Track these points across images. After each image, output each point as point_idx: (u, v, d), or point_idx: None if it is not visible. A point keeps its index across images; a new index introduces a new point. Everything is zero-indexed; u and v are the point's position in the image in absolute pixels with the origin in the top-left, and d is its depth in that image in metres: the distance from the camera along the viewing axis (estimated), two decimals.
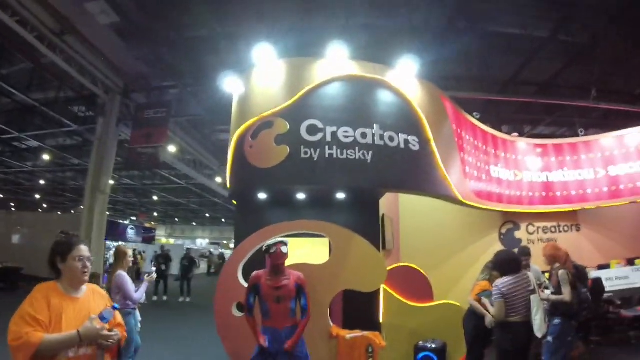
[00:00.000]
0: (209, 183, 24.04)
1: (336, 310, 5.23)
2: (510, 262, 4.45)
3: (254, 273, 3.99)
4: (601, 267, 8.03)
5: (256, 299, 3.89)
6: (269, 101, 5.37)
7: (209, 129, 18.53)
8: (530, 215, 8.71)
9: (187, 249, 14.32)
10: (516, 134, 10.23)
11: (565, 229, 9.14)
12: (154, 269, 11.15)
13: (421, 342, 5.09)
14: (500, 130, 9.99)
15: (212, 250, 40.52)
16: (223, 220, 50.32)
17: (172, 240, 47.43)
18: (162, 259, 13.59)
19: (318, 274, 4.82)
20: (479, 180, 7.33)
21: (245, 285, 4.71)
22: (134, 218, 43.41)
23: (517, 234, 8.96)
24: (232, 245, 45.40)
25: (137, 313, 5.07)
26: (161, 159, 12.51)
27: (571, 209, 8.76)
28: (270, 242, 3.95)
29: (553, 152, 8.74)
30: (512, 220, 8.90)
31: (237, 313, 4.93)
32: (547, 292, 4.78)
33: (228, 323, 4.92)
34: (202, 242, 53.62)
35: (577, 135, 10.31)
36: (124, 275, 4.90)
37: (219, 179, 25.41)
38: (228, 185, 5.74)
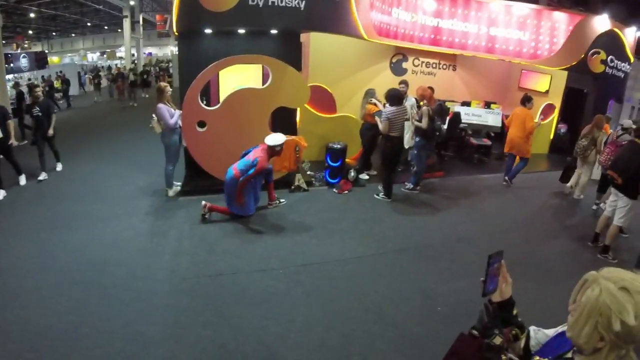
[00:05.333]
0: None
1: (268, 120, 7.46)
2: (396, 97, 7.01)
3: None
4: (464, 104, 11.12)
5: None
6: None
7: None
8: (418, 51, 11.07)
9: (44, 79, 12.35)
10: None
11: (444, 67, 11.96)
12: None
13: (330, 143, 7.72)
14: None
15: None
16: (106, 27, 47.15)
17: (55, 59, 42.35)
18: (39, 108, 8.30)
19: (262, 95, 6.98)
20: (382, 19, 9.12)
21: (203, 106, 6.73)
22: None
23: (405, 65, 11.50)
24: (119, 54, 43.81)
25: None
26: None
27: (452, 53, 11.33)
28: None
29: (448, 3, 10.71)
30: (402, 52, 11.28)
31: (199, 129, 6.97)
32: (415, 120, 7.43)
33: (194, 137, 7.01)
34: (92, 56, 49.83)
35: None
36: (161, 106, 6.73)
37: None
38: (174, 23, 6.85)
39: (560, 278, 5.23)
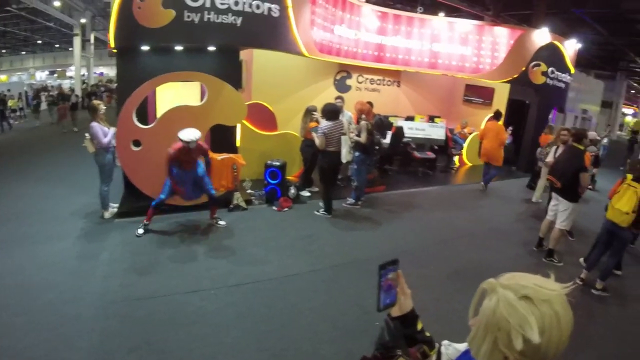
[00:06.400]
0: (44, 7, 22.37)
1: (206, 138, 7.41)
2: (332, 112, 7.12)
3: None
4: (408, 119, 11.43)
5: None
6: None
7: None
8: (362, 68, 11.36)
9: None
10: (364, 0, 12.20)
11: (389, 83, 12.30)
12: None
13: (269, 161, 7.74)
14: None
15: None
16: (57, 45, 45.98)
17: (3, 77, 40.85)
18: None
19: (198, 112, 6.92)
20: (324, 37, 9.33)
21: (138, 124, 6.64)
22: None
23: (349, 82, 11.75)
24: (69, 74, 42.62)
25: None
26: None
27: (396, 69, 11.67)
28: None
29: (391, 21, 11.08)
30: (346, 70, 11.51)
31: (134, 148, 6.83)
32: (353, 134, 7.56)
33: (129, 156, 6.86)
34: (41, 75, 48.15)
35: None
36: (94, 125, 6.61)
37: (57, 2, 23.52)
38: (112, 39, 6.81)
39: None
